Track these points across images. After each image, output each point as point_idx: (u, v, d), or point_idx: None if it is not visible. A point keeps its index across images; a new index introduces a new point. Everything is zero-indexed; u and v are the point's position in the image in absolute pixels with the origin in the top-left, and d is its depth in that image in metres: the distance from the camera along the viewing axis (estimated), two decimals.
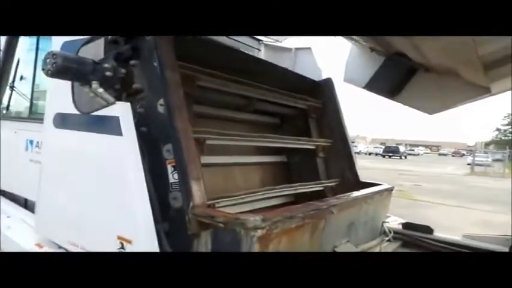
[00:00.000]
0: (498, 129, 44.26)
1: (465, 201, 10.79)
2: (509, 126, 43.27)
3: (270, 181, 2.96)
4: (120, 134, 1.67)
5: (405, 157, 41.14)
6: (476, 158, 27.49)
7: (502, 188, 14.54)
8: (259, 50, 3.58)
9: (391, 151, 41.25)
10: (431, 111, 2.72)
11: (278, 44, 3.65)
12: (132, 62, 1.72)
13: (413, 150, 56.16)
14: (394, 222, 2.99)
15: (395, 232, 2.76)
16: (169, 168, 1.60)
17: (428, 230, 2.79)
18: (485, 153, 35.00)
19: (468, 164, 27.94)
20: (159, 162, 1.62)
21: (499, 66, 1.93)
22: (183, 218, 1.52)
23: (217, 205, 1.86)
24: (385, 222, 2.81)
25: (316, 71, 3.30)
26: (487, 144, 48.61)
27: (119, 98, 1.72)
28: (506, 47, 1.73)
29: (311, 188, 2.79)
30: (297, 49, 3.57)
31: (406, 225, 2.89)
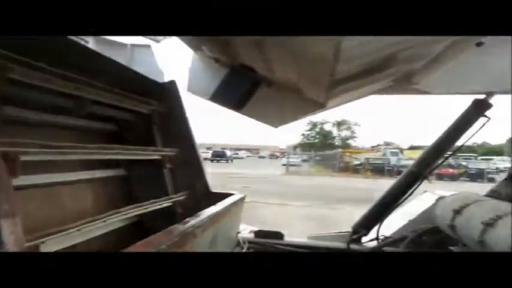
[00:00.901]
0: (303, 134, 52.44)
1: (286, 198, 12.16)
2: (311, 132, 51.87)
3: (107, 200, 2.46)
4: None
5: (231, 161, 44.02)
6: (289, 160, 31.72)
7: (312, 184, 17.15)
8: (87, 42, 2.99)
9: (218, 155, 43.40)
10: (275, 124, 2.77)
11: (111, 38, 3.14)
12: None
13: (237, 153, 60.67)
14: (244, 230, 2.94)
15: (249, 242, 2.69)
16: None
17: (279, 235, 2.84)
18: (295, 155, 40.85)
19: (283, 165, 31.94)
20: None
21: (341, 85, 2.06)
22: None
23: (42, 246, 1.33)
24: (238, 232, 2.71)
25: (156, 73, 2.96)
26: (295, 147, 56.84)
27: None
28: (360, 64, 1.85)
29: (159, 205, 2.44)
30: (134, 46, 3.14)
31: (258, 233, 2.87)
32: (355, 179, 22.46)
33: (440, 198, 2.74)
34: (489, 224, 1.47)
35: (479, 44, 2.20)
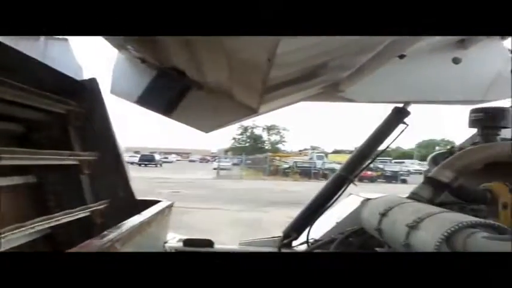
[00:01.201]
0: (234, 138, 52.77)
1: (217, 203, 12.04)
2: (242, 136, 52.40)
3: (15, 212, 2.15)
4: None
5: (160, 165, 42.61)
6: (220, 163, 31.61)
7: (243, 188, 17.23)
8: None
9: (147, 159, 41.75)
10: (206, 129, 2.68)
11: None
12: None
13: (167, 157, 58.95)
14: (172, 239, 2.78)
15: (177, 251, 2.55)
16: None
17: (209, 243, 2.72)
18: (226, 158, 40.85)
19: (214, 169, 31.73)
20: None
21: (274, 90, 2.04)
22: None
23: None
24: (165, 242, 2.55)
25: (75, 70, 2.68)
26: (226, 151, 56.91)
27: None
28: (293, 71, 1.83)
29: (75, 215, 2.19)
30: (48, 39, 2.81)
31: (187, 242, 2.73)
32: (285, 181, 23.12)
33: (365, 200, 2.87)
34: (413, 227, 1.54)
35: (401, 57, 2.34)
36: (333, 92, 2.71)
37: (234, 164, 36.43)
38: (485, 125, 2.33)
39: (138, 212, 2.09)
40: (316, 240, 2.79)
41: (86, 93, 2.54)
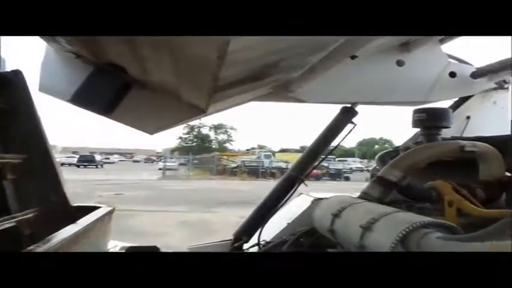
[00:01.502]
0: (180, 138, 51.67)
1: (163, 205, 11.64)
2: (188, 135, 51.50)
3: None
4: None
5: (101, 166, 40.61)
6: (166, 164, 30.76)
7: (190, 188, 16.86)
8: None
9: (86, 160, 39.66)
10: (151, 130, 2.50)
11: None
12: None
13: (108, 158, 56.32)
14: (114, 248, 2.56)
15: None
16: None
17: (154, 249, 2.55)
18: (172, 158, 39.92)
19: (160, 169, 30.82)
20: None
21: (223, 90, 1.95)
22: None
23: None
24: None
25: None
26: (172, 151, 55.64)
27: None
28: (244, 70, 1.74)
29: None
30: None
31: (130, 250, 2.53)
32: (233, 181, 23.06)
33: (316, 200, 2.86)
34: (367, 228, 1.51)
35: (353, 57, 2.35)
36: (283, 92, 2.67)
37: (181, 164, 35.73)
38: (428, 125, 2.42)
39: (73, 220, 1.87)
40: (267, 242, 2.73)
41: (9, 87, 2.24)
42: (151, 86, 2.21)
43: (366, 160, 44.69)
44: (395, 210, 1.59)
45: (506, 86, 2.65)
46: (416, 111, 2.47)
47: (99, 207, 2.26)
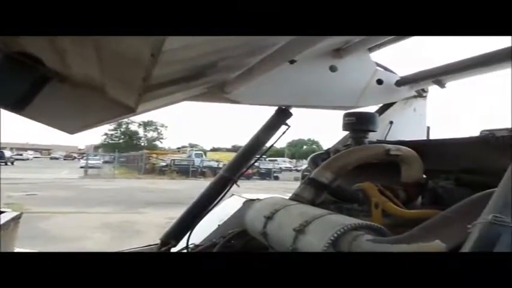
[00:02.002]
0: (106, 134, 48.67)
1: (83, 206, 10.81)
2: (115, 131, 48.76)
3: None
4: None
5: (12, 163, 36.69)
6: (88, 161, 28.72)
7: (114, 188, 15.91)
8: None
9: None
10: (71, 130, 2.26)
11: None
12: None
13: (21, 154, 51.19)
14: None
15: None
16: None
17: None
18: (95, 156, 37.47)
19: (81, 167, 28.71)
20: None
21: (155, 89, 1.82)
22: None
23: None
24: None
25: None
26: (97, 148, 52.29)
27: None
28: (179, 69, 1.64)
29: None
30: None
31: None
32: (161, 180, 22.30)
33: (248, 201, 2.83)
34: (299, 231, 1.50)
35: (292, 62, 2.36)
36: (218, 92, 2.60)
37: (106, 162, 33.69)
38: (356, 128, 2.52)
39: None
40: (196, 246, 2.63)
41: None
42: (73, 81, 1.98)
43: (294, 160, 46.39)
44: (327, 213, 1.60)
45: (424, 94, 2.87)
46: (346, 115, 2.57)
47: (3, 212, 1.98)
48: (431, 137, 2.75)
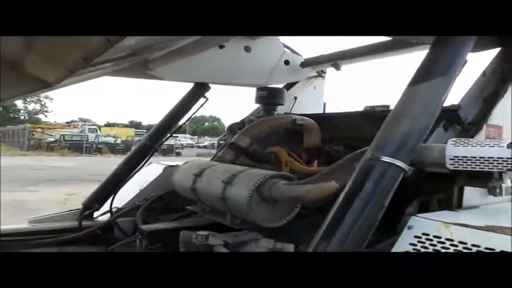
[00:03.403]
0: None
1: None
2: None
3: None
4: None
5: None
6: None
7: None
8: None
9: None
10: None
11: None
12: None
13: None
14: None
15: None
16: None
17: None
18: None
19: None
20: None
21: (86, 68, 1.83)
22: None
23: None
24: None
25: None
26: None
27: None
28: None
29: None
30: None
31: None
32: (51, 157, 20.30)
33: (168, 167, 3.04)
34: (228, 182, 1.82)
35: (221, 47, 2.59)
36: (140, 68, 2.66)
37: None
38: (267, 101, 2.91)
39: None
40: (119, 209, 2.77)
41: None
42: None
43: (196, 137, 46.31)
44: (248, 168, 1.95)
45: (323, 75, 3.39)
46: (259, 89, 2.93)
47: None
48: (327, 111, 3.29)
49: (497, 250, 1.06)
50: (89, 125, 36.02)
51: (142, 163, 2.91)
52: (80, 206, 2.75)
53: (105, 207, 2.77)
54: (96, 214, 2.75)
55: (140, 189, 2.95)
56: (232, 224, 1.89)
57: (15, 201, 7.71)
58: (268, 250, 1.63)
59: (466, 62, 1.51)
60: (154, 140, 3.01)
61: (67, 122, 46.08)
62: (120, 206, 2.80)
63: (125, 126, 46.79)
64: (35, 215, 2.77)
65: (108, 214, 2.72)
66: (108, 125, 49.03)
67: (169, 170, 2.92)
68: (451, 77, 1.39)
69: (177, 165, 2.75)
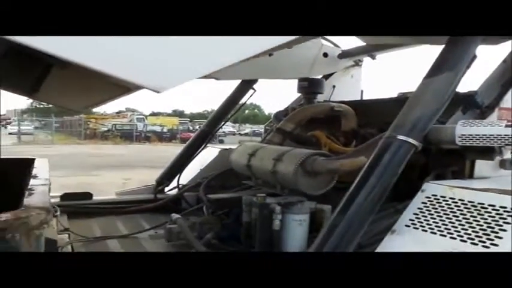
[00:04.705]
0: None
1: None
2: None
3: None
4: None
5: None
6: (20, 127, 26.92)
7: (57, 154, 15.53)
8: None
9: None
10: (79, 107, 2.58)
11: None
12: None
13: None
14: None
15: (58, 206, 2.61)
16: None
17: (87, 196, 2.87)
18: (23, 121, 34.89)
19: (10, 134, 26.81)
20: None
21: None
22: None
23: None
24: None
25: None
26: (23, 113, 48.40)
27: None
28: None
29: None
30: None
31: (65, 197, 2.80)
32: (106, 145, 21.91)
33: (223, 150, 3.53)
34: (277, 159, 2.25)
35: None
36: None
37: (36, 128, 31.67)
38: (308, 91, 3.28)
39: None
40: (184, 185, 3.30)
41: None
42: (72, 67, 2.14)
43: (237, 124, 47.31)
44: (293, 148, 2.37)
45: (360, 63, 3.68)
46: (300, 80, 3.30)
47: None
48: (364, 98, 3.59)
49: (486, 204, 1.40)
50: (137, 114, 37.96)
51: (202, 146, 3.42)
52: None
53: (173, 183, 3.34)
54: (166, 189, 3.32)
55: (201, 169, 3.47)
56: (282, 194, 2.32)
57: (81, 184, 8.70)
58: (311, 210, 2.03)
59: (475, 57, 1.81)
60: (211, 127, 3.51)
61: (116, 112, 48.68)
62: (185, 183, 3.34)
63: (168, 115, 48.68)
64: (102, 195, 3.35)
65: (176, 189, 3.27)
66: (153, 114, 51.11)
67: (224, 152, 3.40)
68: (459, 71, 1.71)
69: (230, 148, 3.22)
